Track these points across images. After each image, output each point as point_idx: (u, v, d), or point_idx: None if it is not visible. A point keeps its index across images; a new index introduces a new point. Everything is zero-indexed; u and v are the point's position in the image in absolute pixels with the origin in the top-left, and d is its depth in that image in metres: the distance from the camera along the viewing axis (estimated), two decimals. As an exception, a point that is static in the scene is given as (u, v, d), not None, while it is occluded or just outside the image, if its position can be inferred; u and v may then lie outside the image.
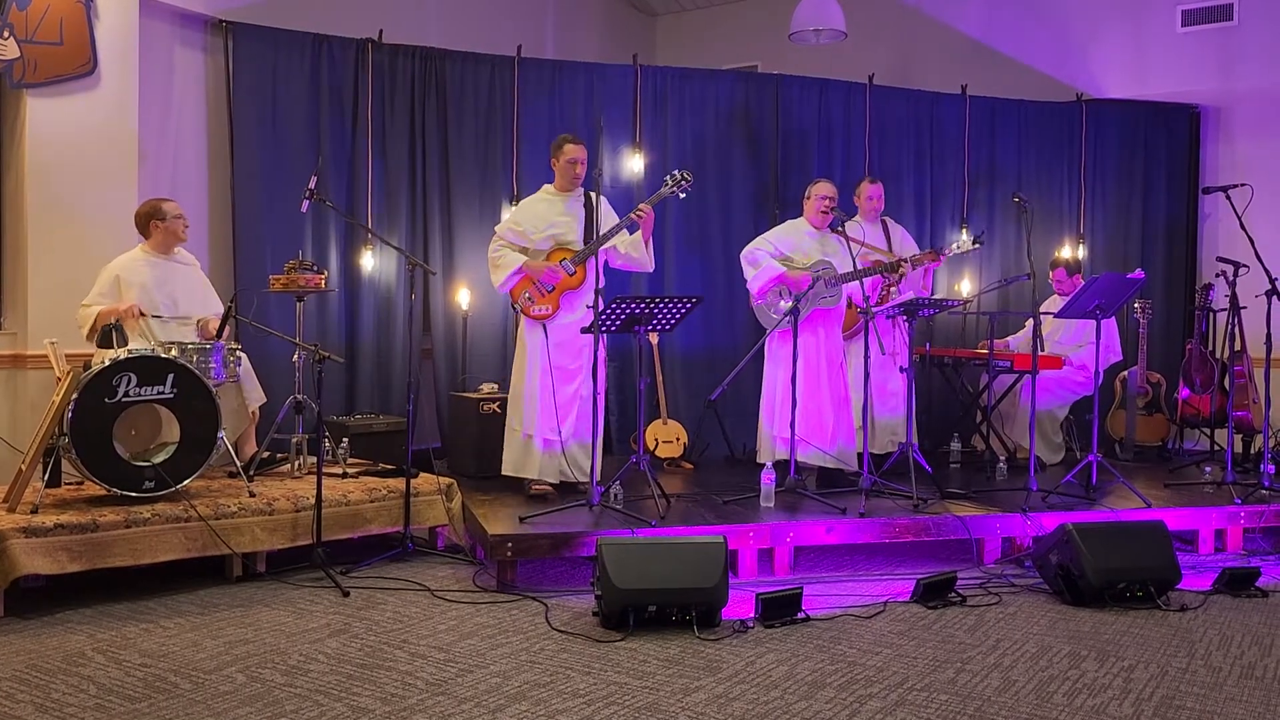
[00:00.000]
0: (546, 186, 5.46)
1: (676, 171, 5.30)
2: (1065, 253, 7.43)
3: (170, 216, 5.18)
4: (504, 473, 5.42)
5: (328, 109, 6.32)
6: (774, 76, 7.45)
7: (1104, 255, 7.84)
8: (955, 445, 6.66)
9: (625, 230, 5.24)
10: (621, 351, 6.95)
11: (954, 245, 6.11)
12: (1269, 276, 5.60)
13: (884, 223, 6.44)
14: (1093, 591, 4.30)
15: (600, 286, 4.90)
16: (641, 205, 5.25)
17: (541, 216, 5.34)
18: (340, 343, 6.33)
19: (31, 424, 5.07)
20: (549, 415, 5.25)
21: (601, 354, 5.14)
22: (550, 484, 5.31)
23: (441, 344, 6.66)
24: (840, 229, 5.63)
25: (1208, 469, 6.00)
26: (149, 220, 5.18)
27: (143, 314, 4.92)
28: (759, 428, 5.88)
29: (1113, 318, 6.15)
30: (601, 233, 5.18)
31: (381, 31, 6.47)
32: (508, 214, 5.37)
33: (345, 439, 5.45)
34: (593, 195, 5.30)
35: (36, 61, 5.31)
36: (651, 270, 5.62)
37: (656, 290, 6.91)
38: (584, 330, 5.11)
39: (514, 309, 5.23)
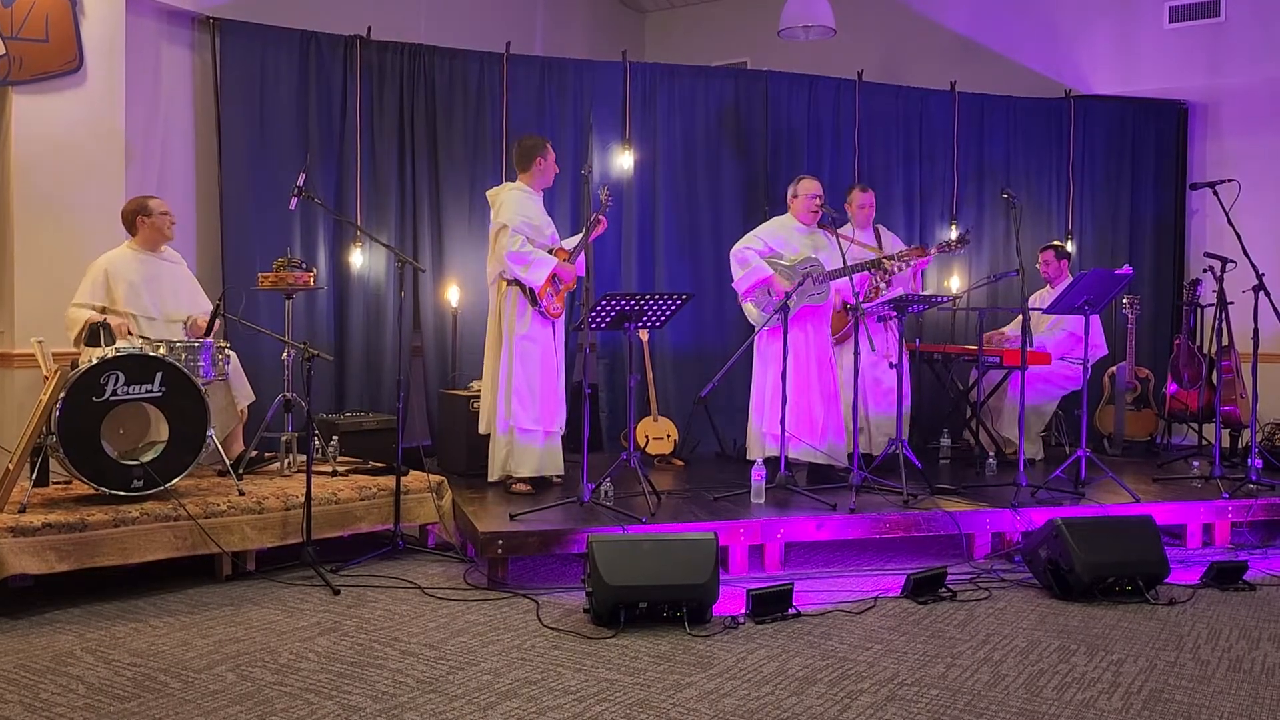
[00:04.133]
0: (520, 185, 5.39)
1: (603, 188, 5.47)
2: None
3: (156, 213, 5.15)
4: (493, 478, 5.34)
5: (316, 106, 6.30)
6: (763, 73, 7.45)
7: (1092, 250, 7.88)
8: (945, 441, 6.67)
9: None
10: (612, 348, 6.95)
11: (940, 241, 6.12)
12: (1256, 272, 5.62)
13: (876, 230, 6.45)
14: (1082, 586, 4.32)
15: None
16: (599, 215, 5.40)
17: (541, 216, 5.42)
18: (329, 341, 6.31)
19: (18, 423, 5.05)
20: (560, 409, 5.40)
21: (560, 353, 5.40)
22: (530, 481, 5.33)
23: (431, 341, 6.65)
24: (830, 226, 5.63)
25: (1195, 464, 6.02)
26: (135, 217, 5.15)
27: (130, 333, 4.89)
28: (749, 424, 5.89)
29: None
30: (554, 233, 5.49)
31: (370, 28, 6.46)
32: (510, 209, 5.28)
33: (335, 437, 5.44)
34: None
35: (22, 59, 5.28)
36: (582, 275, 5.64)
37: (646, 287, 6.91)
38: (575, 327, 5.13)
39: (535, 306, 5.24)
